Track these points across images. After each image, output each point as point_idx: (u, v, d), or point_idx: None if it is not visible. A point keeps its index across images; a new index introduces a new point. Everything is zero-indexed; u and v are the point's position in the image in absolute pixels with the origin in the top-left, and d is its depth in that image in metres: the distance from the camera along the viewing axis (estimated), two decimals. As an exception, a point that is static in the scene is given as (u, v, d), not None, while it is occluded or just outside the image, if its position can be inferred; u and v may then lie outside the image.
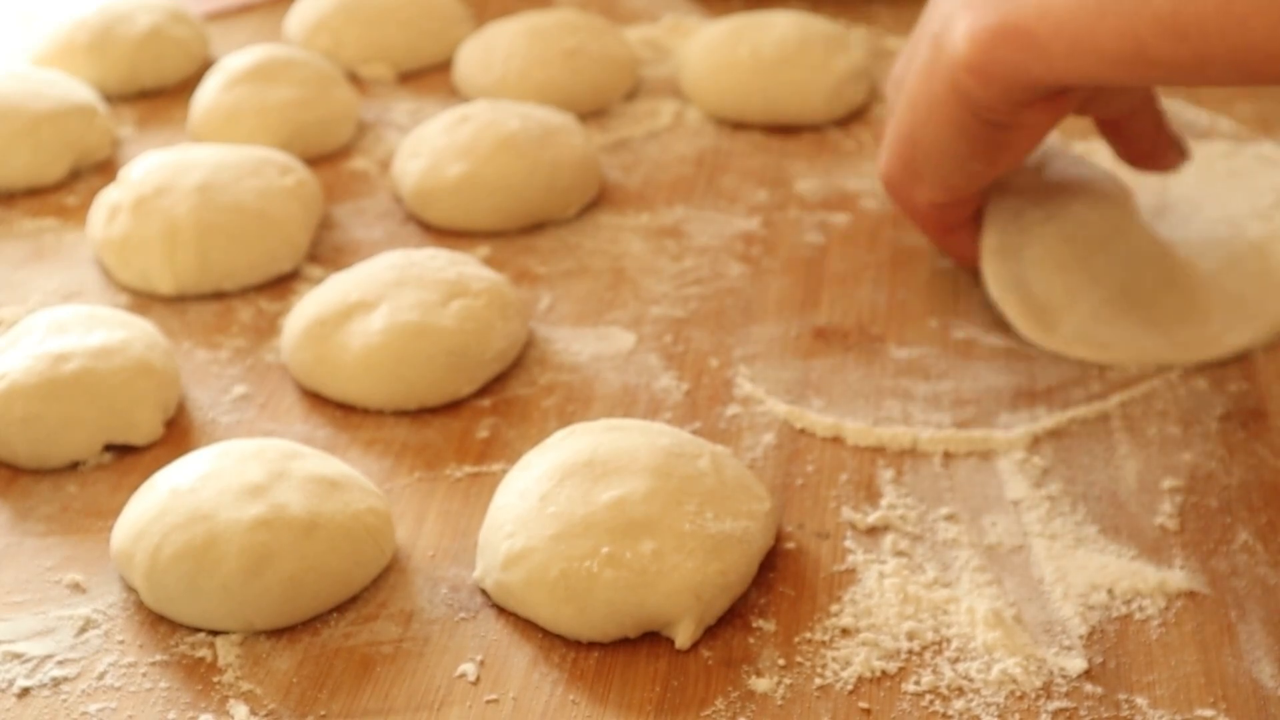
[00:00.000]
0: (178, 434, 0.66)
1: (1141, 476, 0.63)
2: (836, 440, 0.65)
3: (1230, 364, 0.69)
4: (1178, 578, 0.57)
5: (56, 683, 0.54)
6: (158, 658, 0.55)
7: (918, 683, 0.53)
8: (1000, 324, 0.71)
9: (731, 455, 0.60)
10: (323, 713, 0.53)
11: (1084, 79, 0.60)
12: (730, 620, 0.56)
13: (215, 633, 0.56)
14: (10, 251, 0.80)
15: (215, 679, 0.54)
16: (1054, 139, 0.77)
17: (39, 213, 0.83)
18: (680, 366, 0.70)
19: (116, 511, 0.60)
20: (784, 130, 0.90)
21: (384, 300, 0.69)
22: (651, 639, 0.55)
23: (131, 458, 0.65)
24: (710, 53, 0.92)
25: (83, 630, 0.56)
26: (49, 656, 0.55)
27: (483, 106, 0.85)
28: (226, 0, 1.07)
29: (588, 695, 0.53)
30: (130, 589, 0.58)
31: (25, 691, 0.53)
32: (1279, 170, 0.81)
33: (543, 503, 0.56)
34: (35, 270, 0.78)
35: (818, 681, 0.53)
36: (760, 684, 0.53)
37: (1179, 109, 0.88)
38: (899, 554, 0.59)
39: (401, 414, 0.67)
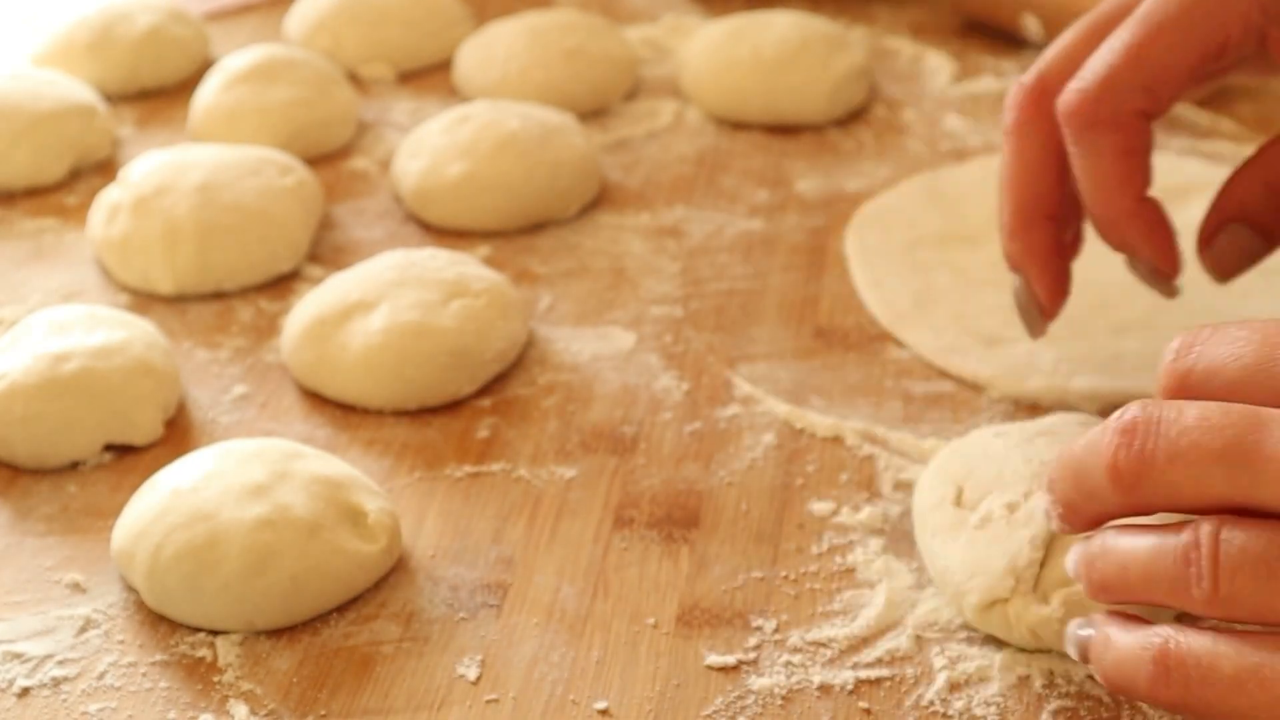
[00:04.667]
0: (178, 434, 0.66)
1: (1141, 476, 0.62)
2: (836, 440, 0.65)
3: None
4: (1178, 577, 0.57)
5: (56, 682, 0.54)
6: (158, 658, 0.55)
7: (917, 683, 0.53)
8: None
9: None
10: (323, 713, 0.53)
11: None
12: (730, 620, 0.56)
13: (215, 633, 0.56)
14: (10, 251, 0.80)
15: (215, 679, 0.54)
16: None
17: (39, 213, 0.83)
18: (680, 366, 0.70)
19: (116, 511, 0.60)
20: (784, 130, 0.90)
21: (384, 300, 0.69)
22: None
23: (131, 458, 0.65)
24: (710, 53, 0.92)
25: (83, 630, 0.56)
26: (49, 656, 0.55)
27: (483, 106, 0.85)
28: (226, 0, 1.07)
29: (588, 695, 0.53)
30: (130, 589, 0.58)
31: (25, 691, 0.53)
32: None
33: None
34: (35, 270, 0.78)
35: (818, 681, 0.53)
36: (760, 684, 0.53)
37: (1179, 109, 0.88)
38: (899, 554, 0.58)
39: (401, 414, 0.67)
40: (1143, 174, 0.58)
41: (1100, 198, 0.59)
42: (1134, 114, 0.57)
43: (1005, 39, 0.99)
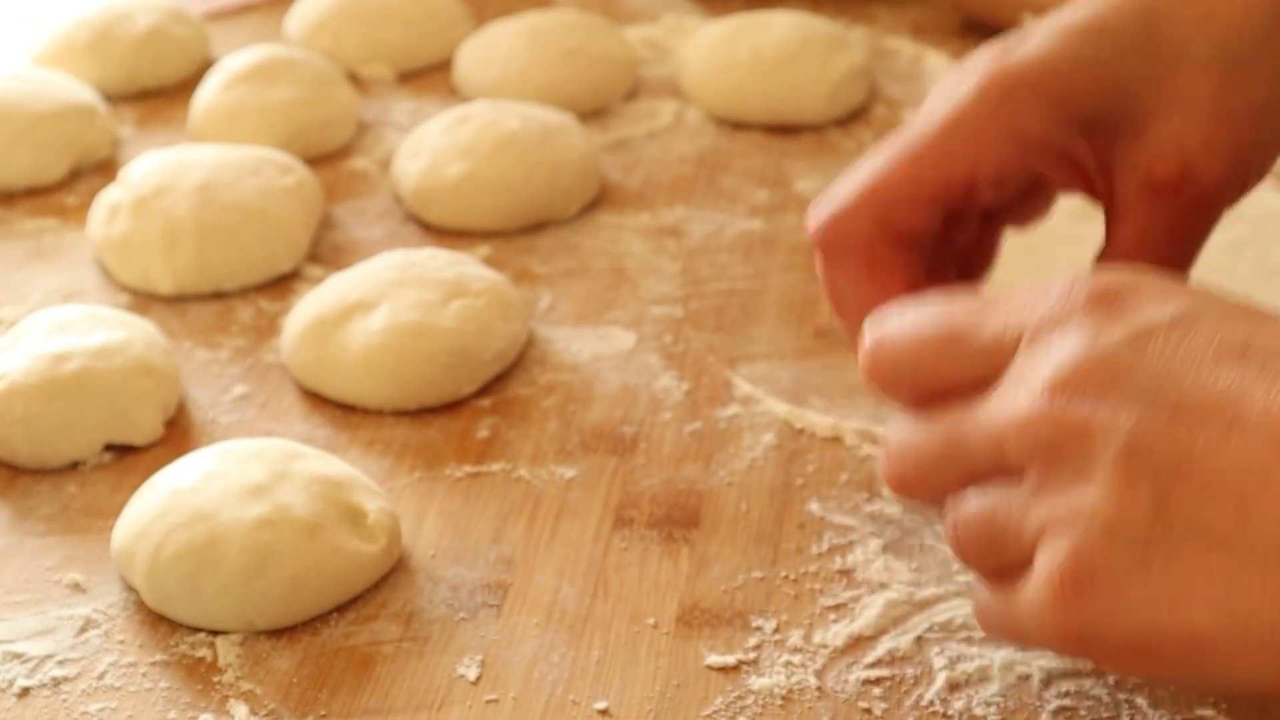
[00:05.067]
0: (178, 434, 0.66)
1: (1141, 476, 0.62)
2: (836, 440, 0.65)
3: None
4: (1178, 578, 0.57)
5: (56, 683, 0.54)
6: (158, 658, 0.55)
7: (917, 683, 0.53)
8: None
9: None
10: (323, 713, 0.53)
11: None
12: (730, 620, 0.56)
13: (215, 633, 0.56)
14: (10, 251, 0.80)
15: (215, 679, 0.54)
16: None
17: (39, 213, 0.83)
18: (680, 366, 0.70)
19: (116, 511, 0.60)
20: (784, 130, 0.90)
21: (384, 300, 0.69)
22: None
23: (131, 458, 0.65)
24: (710, 53, 0.92)
25: (83, 630, 0.56)
26: (49, 656, 0.55)
27: (483, 106, 0.85)
28: (226, 0, 1.07)
29: (588, 695, 0.53)
30: (130, 589, 0.58)
31: (25, 691, 0.53)
32: None
33: None
34: (35, 270, 0.78)
35: (817, 682, 0.53)
36: (760, 684, 0.53)
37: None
38: (899, 554, 0.58)
39: (401, 414, 0.67)
40: (882, 294, 0.55)
41: (834, 310, 0.58)
42: (865, 241, 0.55)
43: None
